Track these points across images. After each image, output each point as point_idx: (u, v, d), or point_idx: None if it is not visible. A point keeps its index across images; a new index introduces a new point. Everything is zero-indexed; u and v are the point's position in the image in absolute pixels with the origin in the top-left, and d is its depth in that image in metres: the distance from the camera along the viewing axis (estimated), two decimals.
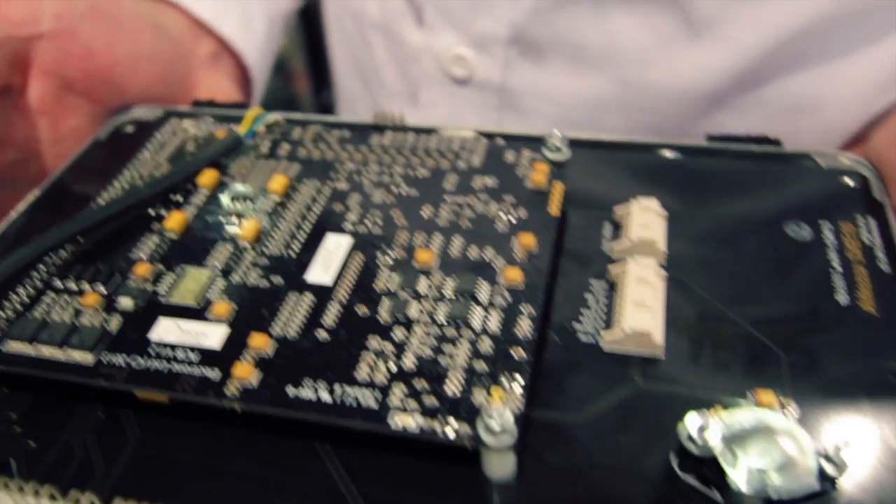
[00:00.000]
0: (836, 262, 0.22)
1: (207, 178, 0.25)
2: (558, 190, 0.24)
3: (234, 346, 0.20)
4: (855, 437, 0.18)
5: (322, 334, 0.20)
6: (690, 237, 0.24)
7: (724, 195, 0.25)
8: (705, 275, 0.22)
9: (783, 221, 0.24)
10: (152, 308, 0.21)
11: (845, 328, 0.21)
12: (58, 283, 0.22)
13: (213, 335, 0.20)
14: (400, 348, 0.19)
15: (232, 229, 0.23)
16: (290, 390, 0.18)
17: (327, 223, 0.23)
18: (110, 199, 0.25)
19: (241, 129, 0.26)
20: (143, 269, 0.22)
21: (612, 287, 0.22)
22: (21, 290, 0.22)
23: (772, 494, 0.16)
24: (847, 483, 0.17)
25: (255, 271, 0.22)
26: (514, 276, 0.21)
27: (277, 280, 0.22)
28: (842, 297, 0.21)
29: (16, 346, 0.20)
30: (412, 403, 0.18)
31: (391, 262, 0.22)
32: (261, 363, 0.19)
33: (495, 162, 0.25)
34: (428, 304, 0.20)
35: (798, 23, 0.30)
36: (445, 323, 0.20)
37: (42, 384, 0.20)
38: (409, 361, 0.19)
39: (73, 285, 0.22)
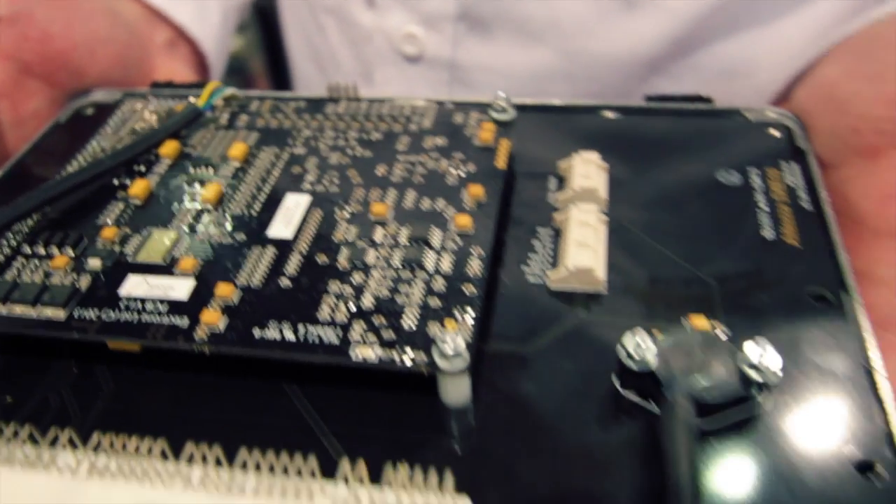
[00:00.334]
0: (762, 203, 0.24)
1: (169, 148, 0.26)
2: (504, 146, 0.25)
3: (201, 296, 0.21)
4: (779, 352, 0.19)
5: (284, 282, 0.21)
6: (630, 187, 0.25)
7: (661, 150, 0.27)
8: (644, 219, 0.24)
9: (715, 170, 0.26)
10: (120, 267, 0.22)
11: (771, 259, 0.22)
12: (27, 249, 0.23)
13: (180, 288, 0.21)
14: (359, 290, 0.20)
15: (195, 193, 0.24)
16: (256, 332, 0.20)
17: (286, 184, 0.24)
18: (74, 171, 0.25)
19: (200, 102, 0.27)
20: (109, 233, 0.23)
21: (558, 233, 0.24)
22: None
23: (703, 396, 0.18)
24: (771, 391, 0.19)
25: (219, 230, 0.23)
26: (464, 222, 0.22)
27: (240, 237, 0.23)
28: (768, 233, 0.23)
29: None
30: (371, 337, 0.19)
31: (348, 216, 0.23)
32: (227, 310, 0.20)
33: (445, 124, 0.27)
34: (384, 250, 0.22)
35: None
36: (401, 266, 0.21)
37: (16, 344, 0.21)
38: (367, 301, 0.20)
39: (41, 250, 0.23)
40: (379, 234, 0.22)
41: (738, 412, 0.18)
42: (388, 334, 0.19)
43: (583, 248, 0.22)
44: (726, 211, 0.24)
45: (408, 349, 0.19)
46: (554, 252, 0.23)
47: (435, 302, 0.20)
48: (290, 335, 0.19)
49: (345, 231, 0.22)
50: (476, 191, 0.23)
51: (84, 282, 0.21)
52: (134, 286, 0.21)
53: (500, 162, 0.24)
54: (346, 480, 0.17)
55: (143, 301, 0.21)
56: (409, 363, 0.18)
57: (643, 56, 0.33)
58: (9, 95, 0.31)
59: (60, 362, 0.21)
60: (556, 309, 0.21)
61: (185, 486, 0.17)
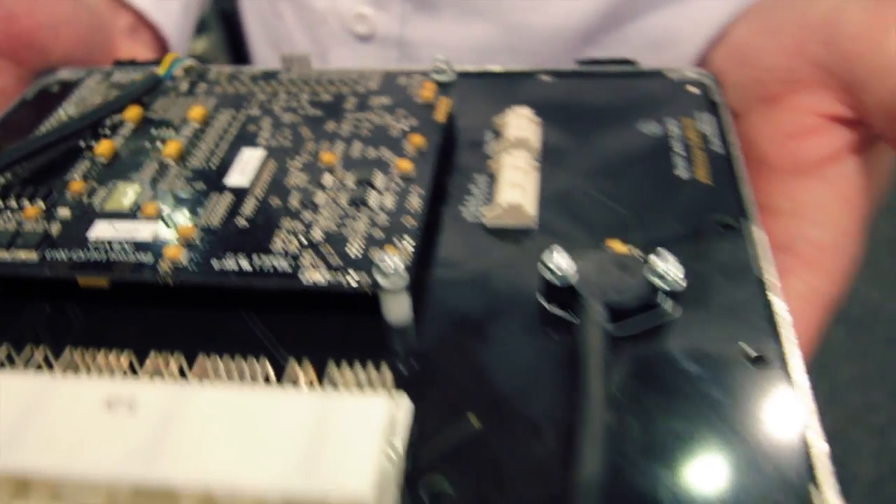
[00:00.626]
0: (678, 148, 0.27)
1: (132, 113, 0.28)
2: (444, 103, 0.27)
3: (164, 236, 0.23)
4: (689, 269, 0.22)
5: (241, 222, 0.23)
6: (561, 138, 0.28)
7: (591, 107, 0.29)
8: (573, 164, 0.26)
9: (637, 122, 0.28)
10: (88, 215, 0.24)
11: (684, 194, 0.25)
12: None
13: (144, 230, 0.23)
14: (308, 226, 0.22)
15: (157, 151, 0.26)
16: (215, 263, 0.22)
17: (243, 141, 0.26)
18: (42, 133, 0.27)
19: (160, 71, 0.29)
20: (77, 186, 0.25)
21: (492, 178, 0.26)
22: None
23: (616, 300, 0.20)
24: (678, 300, 0.21)
25: (180, 181, 0.25)
26: (406, 166, 0.24)
27: (200, 186, 0.25)
28: (683, 173, 0.26)
29: None
30: (320, 263, 0.21)
31: (300, 165, 0.25)
32: (188, 246, 0.22)
33: (390, 86, 0.29)
34: (332, 192, 0.24)
35: None
36: (347, 205, 0.23)
37: None
38: (317, 235, 0.22)
39: (14, 203, 0.24)
40: (328, 180, 0.24)
41: (647, 319, 0.21)
42: (336, 261, 0.21)
43: (514, 187, 0.24)
44: (647, 155, 0.27)
45: (352, 272, 0.21)
46: (489, 194, 0.25)
47: (378, 233, 0.22)
48: (246, 265, 0.21)
49: (296, 178, 0.24)
50: (417, 140, 0.25)
51: (55, 228, 0.23)
52: (102, 230, 0.23)
53: (440, 116, 0.27)
54: (294, 382, 0.19)
55: (110, 242, 0.23)
56: (354, 284, 0.21)
57: (578, 29, 0.36)
58: None
59: (33, 304, 0.23)
60: (490, 241, 0.24)
61: (151, 381, 0.18)
